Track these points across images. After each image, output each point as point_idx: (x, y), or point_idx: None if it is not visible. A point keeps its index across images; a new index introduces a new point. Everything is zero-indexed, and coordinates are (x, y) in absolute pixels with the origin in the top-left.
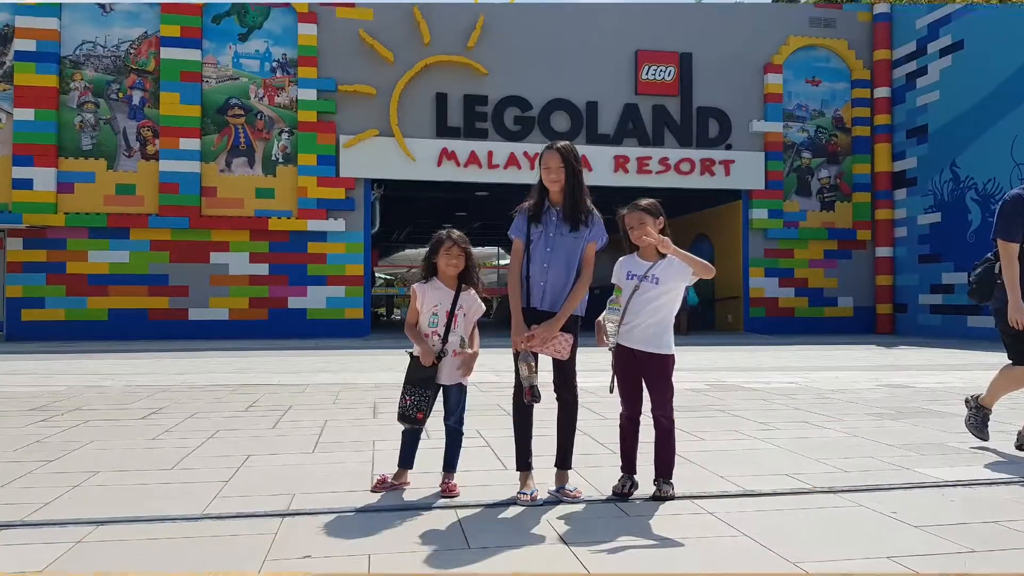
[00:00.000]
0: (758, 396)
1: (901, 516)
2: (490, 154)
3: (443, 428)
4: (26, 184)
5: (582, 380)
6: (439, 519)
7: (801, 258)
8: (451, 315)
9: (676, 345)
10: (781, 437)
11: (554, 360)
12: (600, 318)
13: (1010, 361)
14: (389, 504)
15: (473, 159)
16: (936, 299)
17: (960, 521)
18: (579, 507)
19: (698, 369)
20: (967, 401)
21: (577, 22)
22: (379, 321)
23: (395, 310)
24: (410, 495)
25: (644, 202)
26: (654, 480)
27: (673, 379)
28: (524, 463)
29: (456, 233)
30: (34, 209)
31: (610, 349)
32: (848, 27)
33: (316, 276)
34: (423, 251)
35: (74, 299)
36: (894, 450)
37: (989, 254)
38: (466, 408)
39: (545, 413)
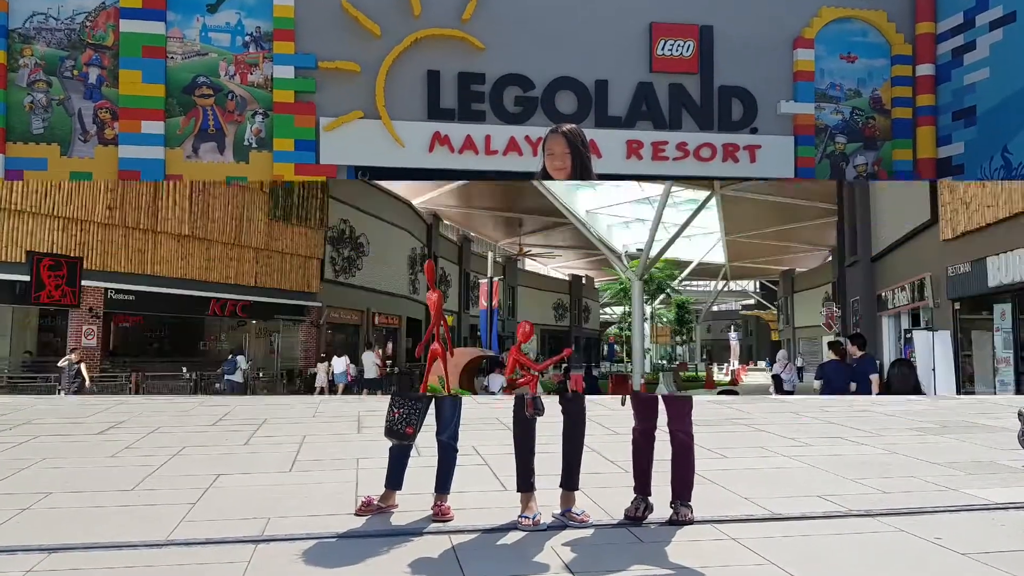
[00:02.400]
0: (787, 408)
1: (946, 542)
2: (488, 139)
3: (435, 444)
4: None
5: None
6: (431, 546)
7: None
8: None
9: None
10: (812, 454)
11: None
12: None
13: None
14: (375, 529)
15: (469, 144)
16: None
17: (1012, 547)
18: (587, 532)
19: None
20: (1020, 414)
21: None
22: None
23: None
24: (398, 519)
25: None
26: (671, 502)
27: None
28: (526, 483)
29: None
30: None
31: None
32: None
33: None
34: None
35: None
36: (938, 469)
37: None
38: (461, 422)
39: (549, 427)
